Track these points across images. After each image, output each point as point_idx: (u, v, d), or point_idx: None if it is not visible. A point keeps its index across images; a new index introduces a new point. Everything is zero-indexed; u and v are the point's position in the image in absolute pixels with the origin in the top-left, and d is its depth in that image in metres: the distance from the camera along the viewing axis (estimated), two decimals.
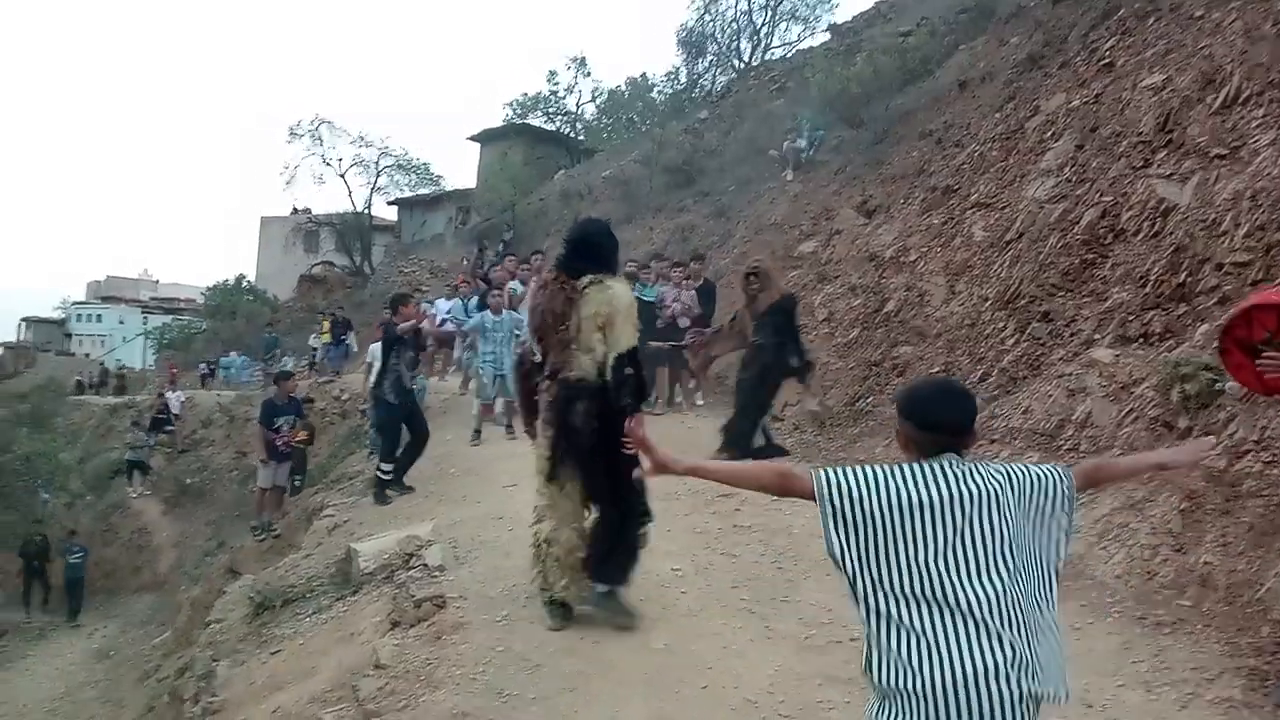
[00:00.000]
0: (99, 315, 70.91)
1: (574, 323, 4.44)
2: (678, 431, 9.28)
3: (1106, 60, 9.07)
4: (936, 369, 8.30)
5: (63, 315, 71.60)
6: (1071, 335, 7.16)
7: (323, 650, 5.14)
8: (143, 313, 65.15)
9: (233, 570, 9.91)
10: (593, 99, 38.26)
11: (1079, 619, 4.60)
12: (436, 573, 5.29)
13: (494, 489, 7.19)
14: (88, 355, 61.12)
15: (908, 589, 2.09)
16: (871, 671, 2.13)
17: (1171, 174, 7.10)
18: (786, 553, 5.69)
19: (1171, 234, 6.68)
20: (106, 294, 73.98)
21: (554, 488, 4.53)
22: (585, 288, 4.46)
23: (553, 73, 39.41)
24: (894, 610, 2.09)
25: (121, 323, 66.44)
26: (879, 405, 8.64)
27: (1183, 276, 6.38)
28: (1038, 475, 2.26)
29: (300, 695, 4.65)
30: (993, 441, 6.92)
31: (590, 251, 4.62)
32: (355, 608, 5.55)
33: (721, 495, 6.89)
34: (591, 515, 4.62)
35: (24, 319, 69.09)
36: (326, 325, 21.83)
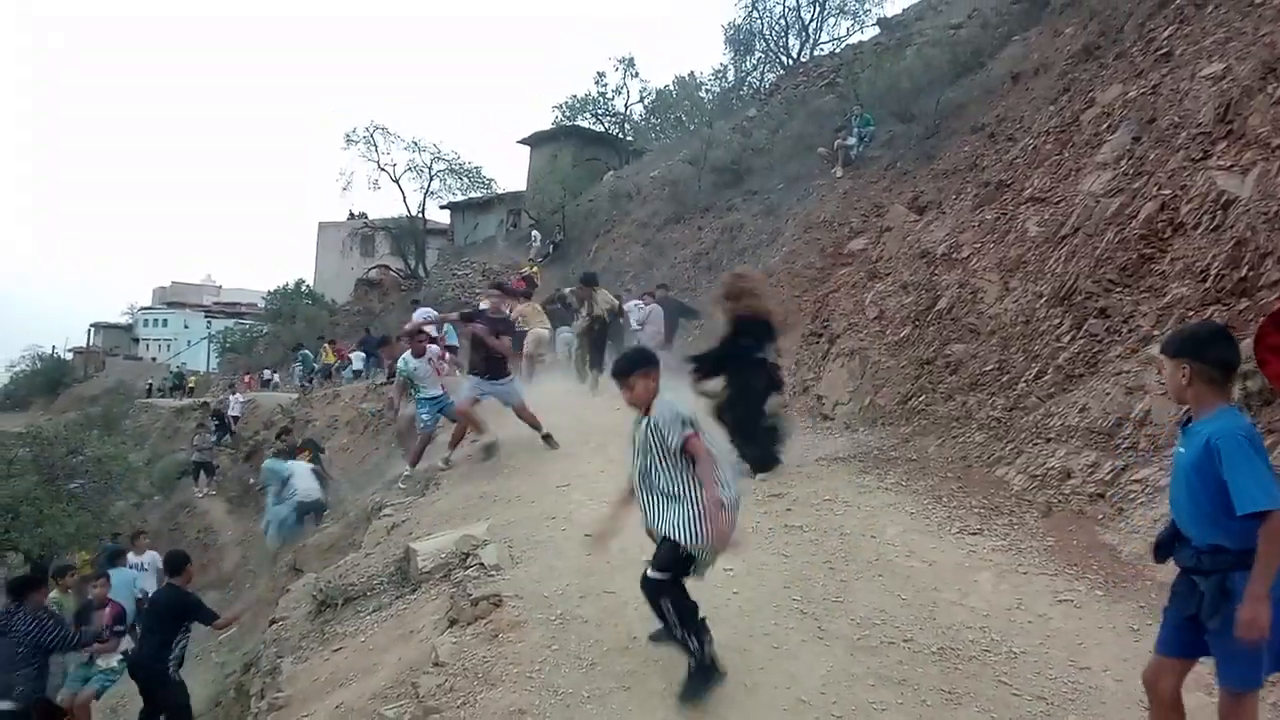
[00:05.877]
0: (165, 320, 72.98)
1: (594, 300, 12.23)
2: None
3: (1164, 49, 8.88)
4: (990, 367, 8.20)
5: (130, 320, 73.75)
6: (1129, 332, 7.02)
7: (383, 647, 5.28)
8: (206, 317, 66.94)
9: (295, 568, 10.14)
10: (641, 99, 38.45)
11: (1136, 621, 4.55)
12: (493, 572, 5.40)
13: (548, 489, 7.28)
14: (154, 359, 63.06)
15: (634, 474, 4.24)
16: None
17: (1232, 165, 6.93)
18: (838, 553, 5.70)
19: (1232, 227, 6.53)
20: (171, 299, 76.16)
21: (582, 352, 12.71)
22: (595, 290, 12.41)
23: (601, 74, 39.55)
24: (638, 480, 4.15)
25: (186, 327, 68.38)
26: (931, 404, 8.56)
27: (1244, 271, 6.23)
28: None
29: (362, 692, 4.79)
30: (1049, 440, 6.84)
31: (592, 278, 12.84)
32: (414, 606, 5.69)
33: (773, 495, 6.91)
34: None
35: (93, 324, 71.41)
36: (328, 348, 25.77)
